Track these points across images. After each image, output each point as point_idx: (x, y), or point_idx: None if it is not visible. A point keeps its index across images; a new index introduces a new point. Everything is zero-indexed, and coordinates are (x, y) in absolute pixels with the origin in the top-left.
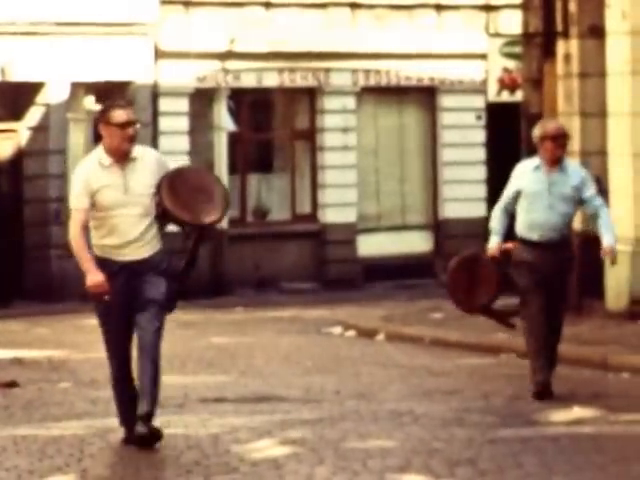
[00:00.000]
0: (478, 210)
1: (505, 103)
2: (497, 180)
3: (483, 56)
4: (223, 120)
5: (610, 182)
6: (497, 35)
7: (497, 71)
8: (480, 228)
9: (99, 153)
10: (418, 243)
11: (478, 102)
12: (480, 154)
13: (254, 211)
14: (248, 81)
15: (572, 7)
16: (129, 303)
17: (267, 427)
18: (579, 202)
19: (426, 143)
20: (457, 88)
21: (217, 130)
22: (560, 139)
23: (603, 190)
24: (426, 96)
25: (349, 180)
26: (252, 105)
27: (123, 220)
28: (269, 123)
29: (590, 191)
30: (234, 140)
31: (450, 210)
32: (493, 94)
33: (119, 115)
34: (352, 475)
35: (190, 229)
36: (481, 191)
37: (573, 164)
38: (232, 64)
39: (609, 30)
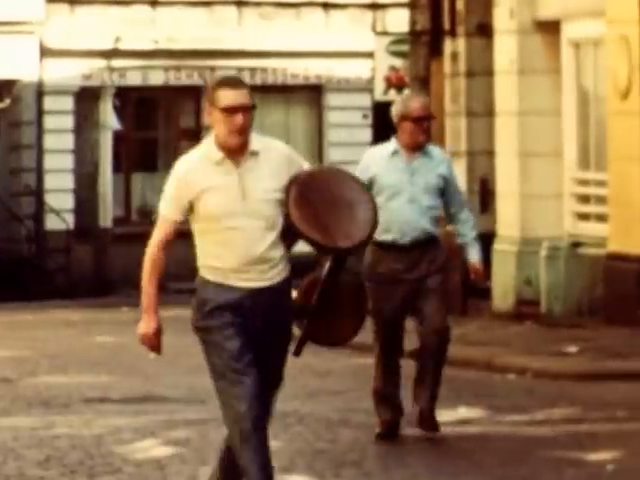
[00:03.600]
0: None
1: (392, 102)
2: None
3: (370, 54)
4: (108, 118)
5: (497, 182)
6: (384, 33)
7: (384, 70)
8: None
9: (208, 145)
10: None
11: (365, 101)
12: None
13: (138, 210)
14: (133, 79)
15: (460, 5)
16: (252, 341)
17: (151, 427)
18: (443, 194)
19: (313, 142)
20: (344, 87)
21: (102, 128)
22: (424, 121)
23: (489, 191)
24: (313, 95)
25: None
26: (137, 103)
27: (239, 235)
28: (154, 122)
29: (456, 185)
30: (119, 139)
31: None
32: (380, 93)
33: (226, 96)
34: None
35: (321, 254)
36: None
37: (437, 149)
38: (117, 62)
39: (497, 29)
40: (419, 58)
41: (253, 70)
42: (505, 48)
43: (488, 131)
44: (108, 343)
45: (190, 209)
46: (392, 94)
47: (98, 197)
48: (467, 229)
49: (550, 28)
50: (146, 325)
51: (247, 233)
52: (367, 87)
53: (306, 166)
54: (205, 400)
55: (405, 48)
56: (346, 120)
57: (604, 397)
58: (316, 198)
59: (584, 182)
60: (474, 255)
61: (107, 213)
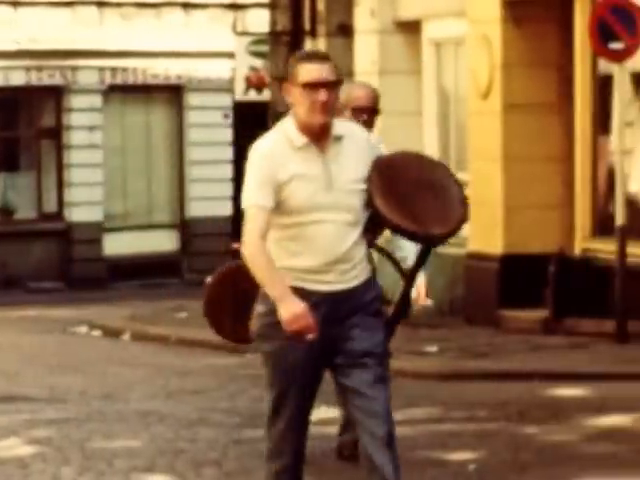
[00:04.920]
0: (224, 209)
1: (252, 102)
2: (244, 179)
3: (230, 55)
4: None
5: None
6: (244, 34)
7: (244, 70)
8: (226, 227)
9: (288, 128)
10: (164, 242)
11: (225, 101)
12: (227, 153)
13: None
14: None
15: (320, 6)
16: (324, 355)
17: (13, 427)
18: None
19: (173, 142)
20: (204, 86)
21: None
22: (364, 112)
23: None
24: (173, 94)
25: (95, 179)
26: None
27: (324, 230)
28: (15, 121)
29: None
30: None
31: (196, 209)
32: (240, 93)
33: (308, 71)
34: (98, 475)
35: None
36: (228, 190)
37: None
38: None
39: (357, 29)
40: (279, 58)
41: (114, 70)
42: (366, 48)
43: None
44: None
45: (274, 199)
46: (252, 94)
47: None
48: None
49: (411, 28)
50: (291, 306)
51: (332, 228)
52: (227, 87)
53: (382, 151)
54: (66, 399)
55: (265, 48)
56: (206, 120)
57: (465, 397)
58: (400, 185)
59: None
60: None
61: None
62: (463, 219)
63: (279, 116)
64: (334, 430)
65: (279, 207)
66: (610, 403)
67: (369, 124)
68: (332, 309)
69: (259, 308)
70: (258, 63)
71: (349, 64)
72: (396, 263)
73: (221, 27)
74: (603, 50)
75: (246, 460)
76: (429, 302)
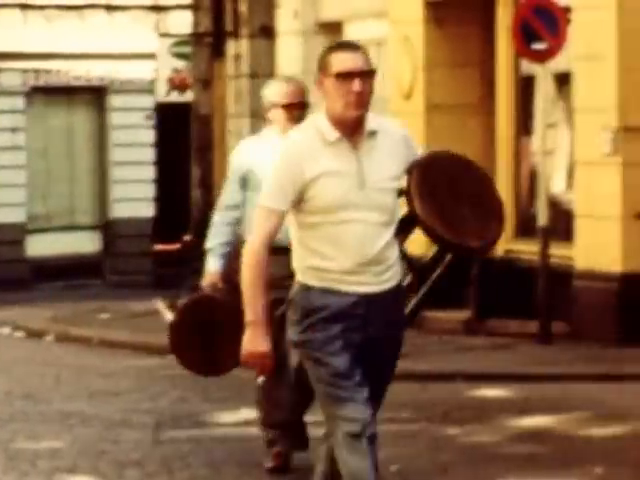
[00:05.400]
0: (147, 210)
1: (175, 103)
2: (166, 180)
3: (153, 56)
4: None
5: None
6: (167, 35)
7: (167, 71)
8: (148, 228)
9: (319, 122)
10: (87, 243)
11: (148, 102)
12: (149, 154)
13: None
14: None
15: (242, 7)
16: (363, 356)
17: None
18: None
19: (96, 143)
20: (127, 88)
21: None
22: (296, 107)
23: None
24: (96, 96)
25: (18, 180)
26: None
27: (353, 230)
28: None
29: None
30: None
31: (119, 210)
32: (162, 94)
33: (341, 60)
34: (21, 475)
35: (442, 250)
36: (150, 191)
37: None
38: None
39: (279, 30)
40: (202, 60)
41: (37, 72)
42: (288, 50)
43: None
44: None
45: (299, 199)
46: (175, 96)
47: None
48: None
49: (333, 29)
50: (254, 342)
51: (365, 228)
52: (150, 88)
53: (420, 150)
54: None
55: (188, 50)
56: (129, 121)
57: (388, 397)
58: (441, 189)
59: None
60: None
61: None
62: (499, 234)
63: (201, 118)
64: (256, 431)
65: (306, 205)
66: (533, 404)
67: (300, 119)
68: (369, 310)
69: (291, 316)
70: (180, 64)
71: (272, 65)
72: (412, 265)
73: (144, 29)
74: (526, 51)
75: (169, 461)
76: None
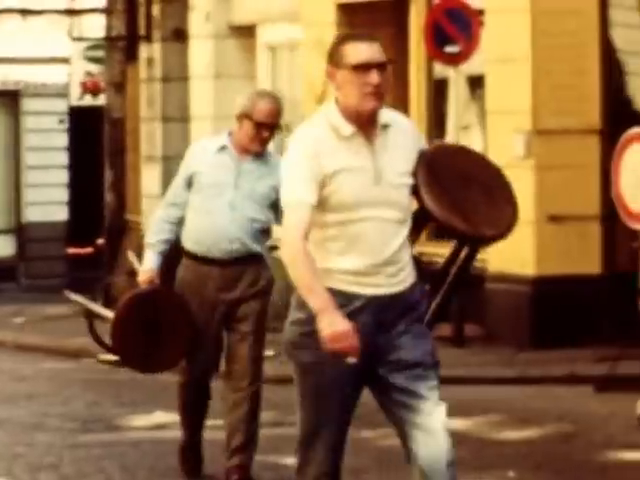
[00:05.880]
0: (61, 214)
1: (88, 107)
2: (80, 184)
3: (66, 60)
4: None
5: None
6: (80, 39)
7: (80, 75)
8: (62, 232)
9: (332, 116)
10: (1, 247)
11: (61, 106)
12: (63, 158)
13: None
14: None
15: (155, 11)
16: (368, 366)
17: None
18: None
19: (9, 147)
20: (41, 92)
21: None
22: (268, 128)
23: None
24: (10, 100)
25: None
26: None
27: (371, 228)
28: None
29: None
30: None
31: (33, 214)
32: (76, 98)
33: (358, 51)
34: None
35: (460, 244)
36: (64, 195)
37: (276, 155)
38: None
39: (192, 33)
40: (115, 63)
41: None
42: (201, 53)
43: (183, 136)
44: None
45: (318, 195)
46: (88, 99)
47: None
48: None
49: (246, 32)
50: (333, 324)
51: (380, 227)
52: (64, 92)
53: (424, 143)
54: None
55: (101, 54)
56: (43, 125)
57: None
58: (448, 180)
59: None
60: None
61: None
62: (514, 220)
63: (114, 122)
64: (171, 434)
65: (322, 204)
66: (447, 407)
67: (268, 140)
68: (377, 315)
69: (296, 314)
70: (94, 68)
71: (184, 68)
72: (420, 267)
73: (58, 33)
74: (439, 53)
75: (82, 464)
76: None
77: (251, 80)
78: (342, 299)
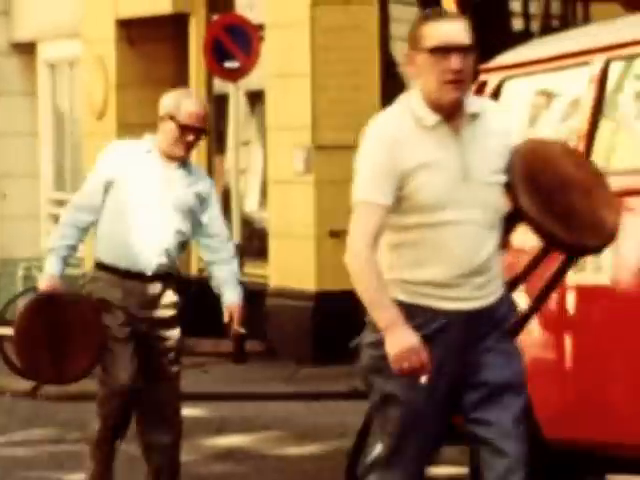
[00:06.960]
0: None
1: None
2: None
3: None
4: None
5: None
6: None
7: None
8: None
9: (414, 104)
10: None
11: None
12: None
13: None
14: None
15: None
16: (455, 391)
17: None
18: (196, 220)
19: None
20: None
21: None
22: (194, 132)
23: None
24: None
25: None
26: None
27: (460, 233)
28: None
29: (219, 211)
30: None
31: None
32: None
33: (438, 32)
34: None
35: (547, 249)
36: None
37: (199, 167)
38: None
39: None
40: None
41: None
42: None
43: None
44: None
45: (397, 193)
46: None
47: None
48: (229, 269)
49: (26, 49)
50: (401, 339)
51: (469, 231)
52: None
53: (518, 137)
54: None
55: None
56: None
57: (84, 417)
58: (546, 181)
59: (60, 203)
60: (235, 296)
61: None
62: (617, 226)
63: None
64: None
65: (401, 204)
66: (229, 423)
67: (192, 145)
68: (464, 332)
69: (368, 337)
70: None
71: None
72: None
73: None
74: (218, 69)
75: None
76: (242, 330)
77: (32, 97)
78: (420, 316)
